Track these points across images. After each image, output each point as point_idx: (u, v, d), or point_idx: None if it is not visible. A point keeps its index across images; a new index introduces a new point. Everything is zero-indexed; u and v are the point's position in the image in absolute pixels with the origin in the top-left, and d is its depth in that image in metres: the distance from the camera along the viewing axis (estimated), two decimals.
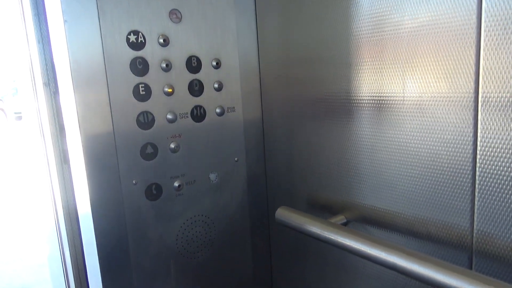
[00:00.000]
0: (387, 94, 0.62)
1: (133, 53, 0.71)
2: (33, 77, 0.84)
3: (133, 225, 0.72)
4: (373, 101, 0.64)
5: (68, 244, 0.79)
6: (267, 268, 0.94)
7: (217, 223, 0.84)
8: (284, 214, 0.76)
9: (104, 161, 0.69)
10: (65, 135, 0.78)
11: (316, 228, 0.70)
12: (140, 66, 0.72)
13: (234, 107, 0.85)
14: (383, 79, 0.62)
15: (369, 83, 0.64)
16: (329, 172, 0.75)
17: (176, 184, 0.77)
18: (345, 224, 0.74)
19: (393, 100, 0.61)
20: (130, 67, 0.71)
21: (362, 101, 0.66)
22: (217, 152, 0.83)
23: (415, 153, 0.59)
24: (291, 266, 0.90)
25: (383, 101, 0.63)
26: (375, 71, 0.62)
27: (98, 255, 0.68)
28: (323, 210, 0.79)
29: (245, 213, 0.88)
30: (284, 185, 0.87)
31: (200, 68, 0.79)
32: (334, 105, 0.71)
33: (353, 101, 0.67)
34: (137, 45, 0.71)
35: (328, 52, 0.70)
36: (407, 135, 0.60)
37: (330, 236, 0.66)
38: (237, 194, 0.87)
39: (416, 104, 0.58)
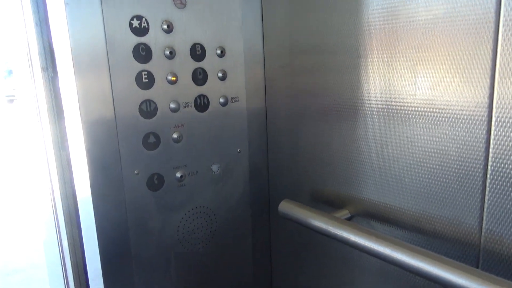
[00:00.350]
0: (397, 88, 0.60)
1: (136, 39, 0.69)
2: (31, 61, 0.82)
3: (134, 216, 0.71)
4: (383, 95, 0.63)
5: (67, 234, 0.78)
6: (267, 262, 0.93)
7: (218, 215, 0.83)
8: (287, 207, 0.75)
9: (105, 149, 0.67)
10: (64, 121, 0.76)
11: (320, 222, 0.69)
12: (143, 53, 0.70)
13: (237, 97, 0.83)
14: (393, 72, 0.60)
15: (378, 75, 0.62)
16: (334, 166, 0.74)
17: (178, 174, 0.76)
18: (349, 218, 0.73)
19: (403, 94, 0.60)
20: (133, 54, 0.69)
21: (371, 94, 0.64)
22: (220, 143, 0.82)
23: (425, 149, 0.58)
24: (291, 259, 0.90)
25: (392, 95, 0.61)
26: (386, 64, 0.61)
27: (98, 245, 0.67)
28: (327, 204, 0.78)
29: (247, 205, 0.87)
30: (287, 178, 0.86)
31: (204, 56, 0.77)
32: (341, 98, 0.70)
33: (362, 94, 0.66)
34: (140, 31, 0.69)
35: (336, 42, 0.68)
36: (417, 131, 0.59)
37: (335, 231, 0.66)
38: (239, 186, 0.86)
39: (428, 99, 0.56)
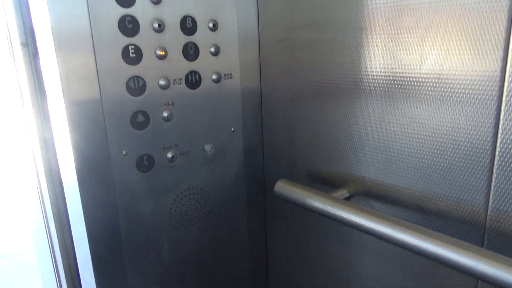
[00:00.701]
0: (402, 64, 0.57)
1: (122, 10, 0.64)
2: (9, 35, 0.76)
3: (123, 198, 0.68)
4: (386, 71, 0.59)
5: (54, 219, 0.74)
6: (263, 243, 0.92)
7: (212, 196, 0.80)
8: (284, 187, 0.73)
9: (90, 130, 0.63)
10: (46, 101, 0.71)
11: (318, 202, 0.66)
12: (129, 26, 0.65)
13: (231, 74, 0.79)
14: (398, 46, 0.57)
15: (382, 50, 0.59)
16: (333, 145, 0.71)
17: (169, 155, 0.72)
18: (347, 198, 0.71)
19: (408, 70, 0.56)
20: (118, 26, 0.64)
21: (373, 70, 0.61)
22: (213, 122, 0.78)
23: (430, 126, 0.56)
24: (286, 240, 0.88)
25: (397, 71, 0.58)
26: (391, 38, 0.57)
27: (86, 229, 0.64)
28: (324, 184, 0.76)
29: (241, 185, 0.85)
30: (283, 158, 0.83)
31: (196, 29, 0.72)
32: (341, 74, 0.66)
33: (363, 70, 0.63)
34: (126, 2, 0.64)
35: (337, 15, 0.64)
36: (422, 108, 0.56)
37: (334, 211, 0.64)
38: (233, 166, 0.83)
39: (435, 75, 0.53)
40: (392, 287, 0.69)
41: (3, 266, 2.61)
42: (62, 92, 0.60)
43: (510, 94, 0.46)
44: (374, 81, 0.61)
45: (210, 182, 0.79)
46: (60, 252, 0.78)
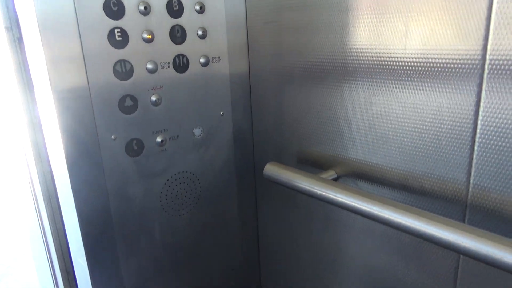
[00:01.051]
0: (387, 44, 0.57)
1: None
2: None
3: (113, 183, 0.68)
4: (372, 51, 0.60)
5: (45, 205, 0.75)
6: (254, 224, 0.93)
7: (202, 180, 0.81)
8: (273, 169, 0.74)
9: (79, 114, 0.63)
10: (33, 87, 0.71)
11: (306, 183, 0.68)
12: (115, 8, 0.64)
13: (219, 57, 0.79)
14: (383, 26, 0.57)
15: (367, 31, 0.59)
16: (320, 127, 0.72)
17: (158, 139, 0.73)
18: (335, 179, 0.72)
19: (393, 50, 0.57)
20: (103, 9, 0.63)
21: (358, 51, 0.62)
22: (202, 106, 0.78)
23: (414, 106, 0.56)
24: (277, 222, 0.90)
25: (382, 51, 0.58)
26: (375, 18, 0.58)
27: (78, 215, 0.65)
28: (313, 165, 0.77)
29: (231, 169, 0.86)
30: (272, 140, 0.84)
31: (182, 12, 0.72)
32: (328, 56, 0.67)
33: (349, 51, 0.63)
34: None
35: None
36: (406, 88, 0.57)
37: (321, 192, 0.65)
38: (223, 150, 0.83)
39: (419, 54, 0.54)
40: (379, 264, 0.71)
41: None
42: (49, 77, 0.60)
43: (491, 72, 0.47)
44: (360, 62, 0.62)
45: (200, 166, 0.80)
46: (52, 237, 0.78)
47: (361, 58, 0.61)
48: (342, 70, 0.65)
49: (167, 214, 0.77)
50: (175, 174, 0.76)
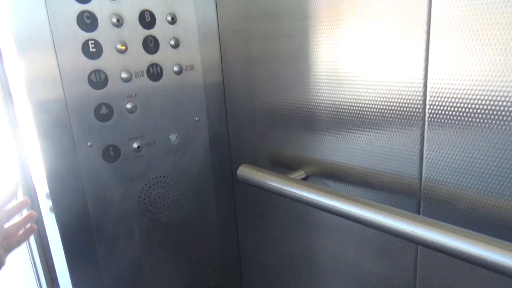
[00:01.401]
0: (343, 46, 0.61)
1: (80, 6, 0.66)
2: None
3: (91, 188, 0.71)
4: (330, 53, 0.64)
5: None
6: (233, 225, 0.96)
7: (180, 184, 0.84)
8: (245, 171, 0.77)
9: (56, 125, 0.66)
10: (12, 99, 0.73)
11: (276, 183, 0.71)
12: (88, 21, 0.67)
13: (192, 65, 0.83)
14: (339, 30, 0.61)
15: (325, 34, 0.63)
16: (290, 130, 0.76)
17: (135, 145, 0.75)
18: (304, 179, 0.76)
19: (348, 52, 0.61)
20: (77, 22, 0.66)
21: (319, 55, 0.65)
22: (177, 112, 0.81)
23: (369, 107, 0.60)
24: (255, 223, 0.93)
25: (339, 54, 0.62)
26: (331, 24, 0.62)
27: (57, 221, 0.67)
28: (284, 166, 0.80)
29: (209, 173, 0.89)
30: (246, 144, 0.87)
31: (155, 23, 0.75)
32: (293, 63, 0.70)
33: (311, 55, 0.67)
34: None
35: (285, 4, 0.68)
36: (362, 89, 0.60)
37: (290, 191, 0.68)
38: (199, 154, 0.86)
39: (369, 59, 0.58)
40: (348, 258, 0.74)
41: None
42: (26, 90, 0.63)
43: (434, 70, 0.51)
44: (320, 68, 0.66)
45: (177, 171, 0.83)
46: (35, 241, 0.80)
47: (322, 64, 0.65)
48: (306, 73, 0.69)
49: (146, 218, 0.79)
50: (152, 179, 0.79)
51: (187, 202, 0.85)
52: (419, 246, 0.61)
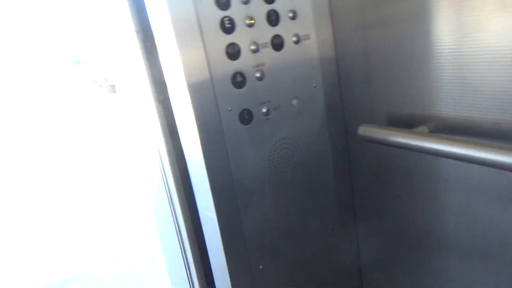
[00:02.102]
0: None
1: None
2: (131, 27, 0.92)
3: (232, 148, 0.81)
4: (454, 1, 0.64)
5: (170, 164, 0.91)
6: (348, 185, 1.01)
7: (301, 145, 0.91)
8: (367, 129, 0.81)
9: (202, 91, 0.77)
10: (164, 80, 0.86)
11: (401, 138, 0.74)
12: (223, 1, 0.77)
13: (308, 35, 0.89)
14: None
15: None
16: (409, 85, 0.78)
17: (264, 109, 0.84)
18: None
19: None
20: (215, 3, 0.76)
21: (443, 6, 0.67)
22: (297, 79, 0.89)
23: (503, 52, 0.60)
24: (370, 181, 0.97)
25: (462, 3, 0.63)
26: None
27: (208, 174, 0.79)
28: (404, 125, 0.83)
29: (325, 135, 0.95)
30: (361, 105, 0.91)
31: None
32: (411, 12, 0.72)
33: (433, 3, 0.68)
34: None
35: None
36: (492, 35, 0.61)
37: (418, 143, 0.71)
38: (317, 118, 0.93)
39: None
40: (477, 214, 0.74)
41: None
42: (183, 71, 0.74)
43: None
44: (444, 16, 0.67)
45: (298, 133, 0.90)
46: (177, 194, 0.94)
47: (445, 7, 0.66)
48: (426, 26, 0.70)
49: (276, 175, 0.88)
50: (278, 140, 0.88)
51: (307, 162, 0.93)
52: None
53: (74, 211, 3.90)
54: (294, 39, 0.87)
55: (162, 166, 0.97)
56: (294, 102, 0.89)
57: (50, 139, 7.81)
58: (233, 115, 0.81)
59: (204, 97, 0.78)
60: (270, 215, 0.89)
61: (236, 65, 0.80)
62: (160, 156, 0.97)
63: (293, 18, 0.86)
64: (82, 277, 2.43)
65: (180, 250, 1.01)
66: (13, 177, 5.58)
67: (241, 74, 0.81)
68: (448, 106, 0.72)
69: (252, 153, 0.84)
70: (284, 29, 0.85)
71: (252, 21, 0.80)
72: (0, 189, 5.05)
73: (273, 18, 0.83)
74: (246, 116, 0.83)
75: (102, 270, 2.43)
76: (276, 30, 0.84)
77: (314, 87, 0.91)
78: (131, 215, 3.46)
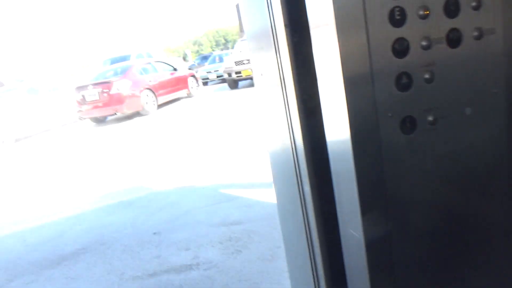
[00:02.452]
0: None
1: None
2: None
3: (388, 160, 0.70)
4: None
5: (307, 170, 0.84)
6: None
7: (472, 163, 0.75)
8: None
9: (361, 92, 0.68)
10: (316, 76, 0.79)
11: None
12: None
13: (494, 28, 0.72)
14: None
15: None
16: None
17: (430, 117, 0.71)
18: None
19: None
20: None
21: None
22: (473, 83, 0.73)
23: None
24: None
25: None
26: None
27: (358, 187, 0.69)
28: None
29: (503, 151, 0.76)
30: None
31: None
32: None
33: None
34: None
35: None
36: None
37: None
38: (495, 131, 0.75)
39: None
40: None
41: (236, 230, 3.10)
42: (341, 67, 0.66)
43: None
44: None
45: (470, 148, 0.74)
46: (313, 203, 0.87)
47: None
48: None
49: (438, 195, 0.74)
50: (445, 154, 0.73)
51: (479, 182, 0.76)
52: None
53: (201, 196, 4.17)
54: (475, 33, 0.71)
55: (299, 171, 0.90)
56: (467, 110, 0.73)
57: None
58: (394, 122, 0.70)
59: (361, 99, 0.68)
60: (426, 241, 0.75)
61: (402, 63, 0.68)
62: (297, 159, 0.91)
63: (476, 7, 0.70)
64: (205, 265, 2.55)
65: (310, 262, 0.94)
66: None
67: (407, 74, 0.69)
68: None
69: (412, 167, 0.72)
70: (464, 21, 0.70)
71: (427, 12, 0.67)
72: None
73: (452, 8, 0.69)
74: (408, 124, 0.70)
75: (222, 261, 2.53)
76: (454, 22, 0.69)
77: (495, 93, 0.74)
78: (250, 206, 3.54)
